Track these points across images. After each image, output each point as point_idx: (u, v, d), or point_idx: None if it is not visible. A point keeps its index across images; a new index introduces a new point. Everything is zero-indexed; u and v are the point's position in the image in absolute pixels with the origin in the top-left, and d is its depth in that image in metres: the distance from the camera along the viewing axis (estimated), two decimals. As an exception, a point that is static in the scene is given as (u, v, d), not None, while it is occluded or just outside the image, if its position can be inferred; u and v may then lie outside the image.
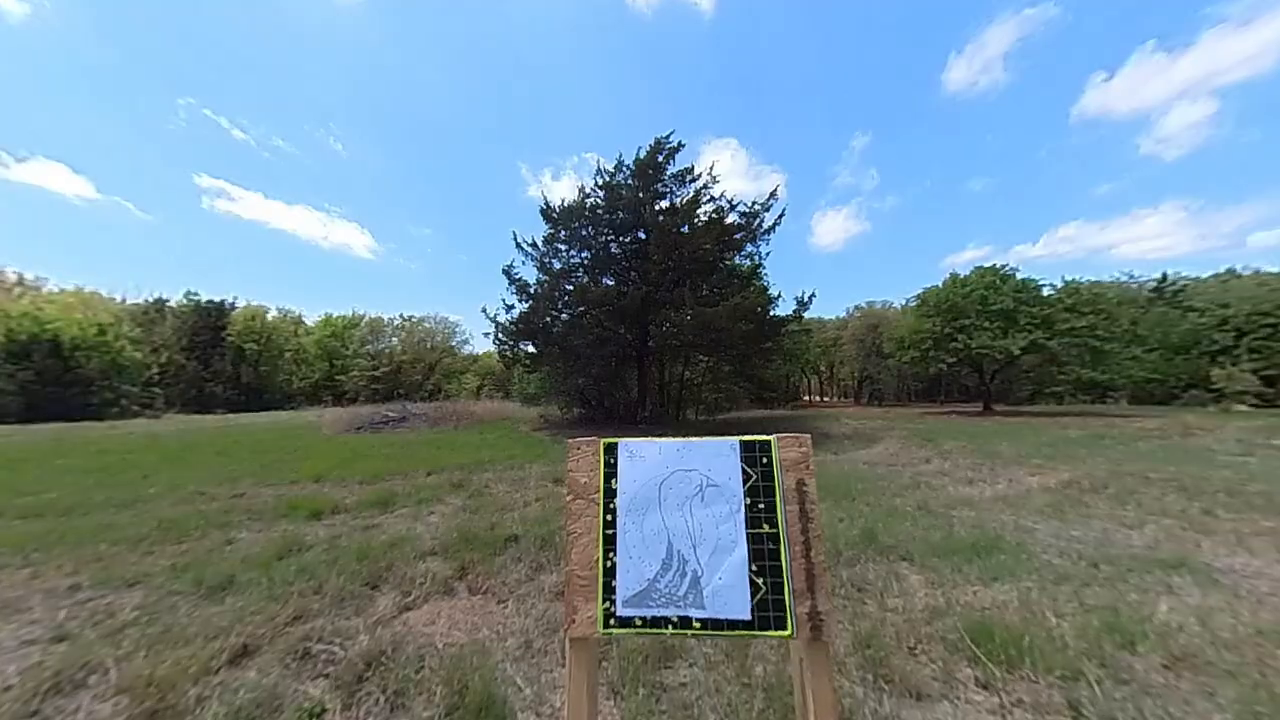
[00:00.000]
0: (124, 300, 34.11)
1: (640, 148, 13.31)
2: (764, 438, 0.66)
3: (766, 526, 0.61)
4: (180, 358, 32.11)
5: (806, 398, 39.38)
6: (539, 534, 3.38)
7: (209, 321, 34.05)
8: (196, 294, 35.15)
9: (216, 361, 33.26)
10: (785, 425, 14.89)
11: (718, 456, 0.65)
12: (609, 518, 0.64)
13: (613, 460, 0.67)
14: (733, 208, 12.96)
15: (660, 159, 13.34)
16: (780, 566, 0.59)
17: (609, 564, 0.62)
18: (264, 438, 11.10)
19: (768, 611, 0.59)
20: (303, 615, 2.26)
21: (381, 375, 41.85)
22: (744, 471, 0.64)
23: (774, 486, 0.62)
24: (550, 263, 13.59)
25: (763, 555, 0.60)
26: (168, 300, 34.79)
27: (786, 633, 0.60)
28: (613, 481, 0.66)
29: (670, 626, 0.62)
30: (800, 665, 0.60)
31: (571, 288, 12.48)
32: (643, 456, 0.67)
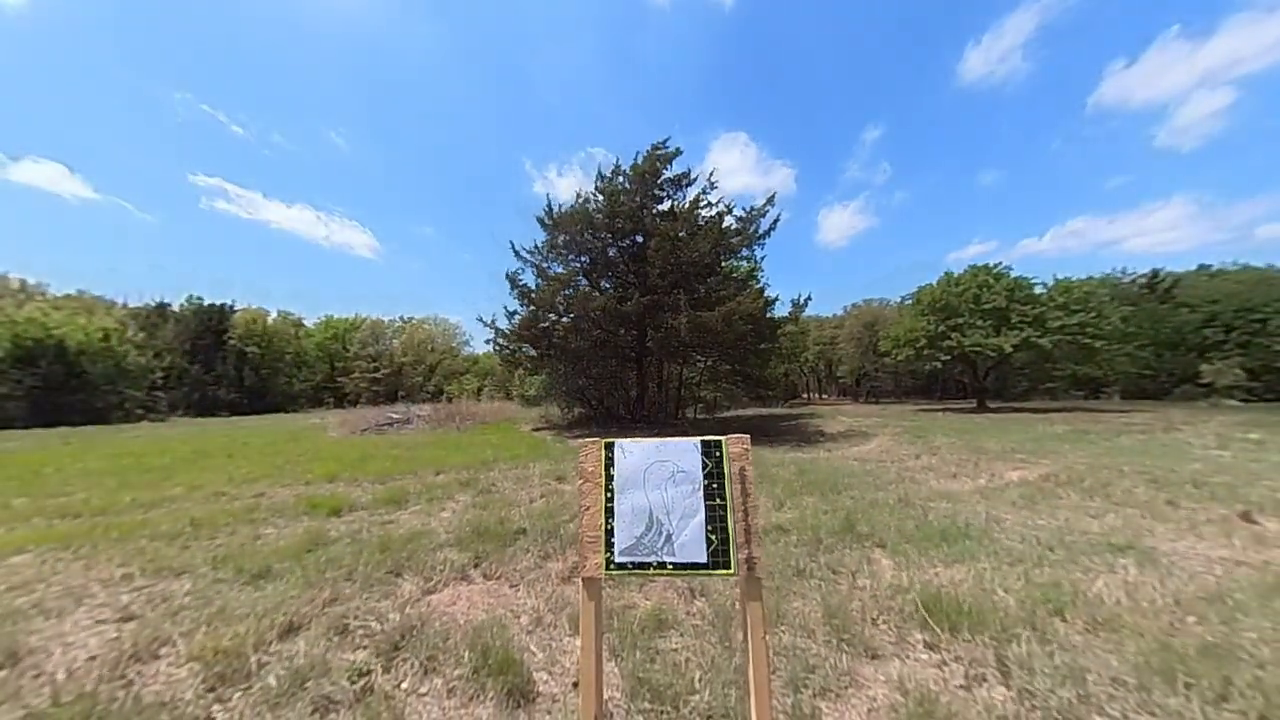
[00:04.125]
0: (126, 304, 34.32)
1: (638, 152, 13.58)
2: (718, 438, 0.94)
3: (718, 500, 0.88)
4: (183, 361, 32.33)
5: (805, 395, 39.66)
6: (545, 527, 3.66)
7: (211, 325, 34.27)
8: (199, 298, 35.36)
9: (219, 365, 33.49)
10: (781, 423, 15.15)
11: (685, 452, 0.93)
12: (609, 495, 0.91)
13: (610, 455, 0.95)
14: (730, 211, 13.23)
15: (658, 164, 13.59)
16: (727, 527, 0.87)
17: (609, 527, 0.90)
18: (273, 440, 11.37)
19: (718, 557, 0.86)
20: (338, 598, 2.54)
21: (383, 377, 42.12)
22: (703, 462, 0.91)
23: (724, 472, 0.90)
24: (550, 268, 13.85)
25: (715, 519, 0.87)
26: (169, 304, 34.99)
27: (730, 571, 0.87)
28: (611, 469, 0.93)
29: (651, 568, 0.89)
30: (741, 594, 0.87)
31: (571, 292, 12.74)
32: (632, 452, 0.95)
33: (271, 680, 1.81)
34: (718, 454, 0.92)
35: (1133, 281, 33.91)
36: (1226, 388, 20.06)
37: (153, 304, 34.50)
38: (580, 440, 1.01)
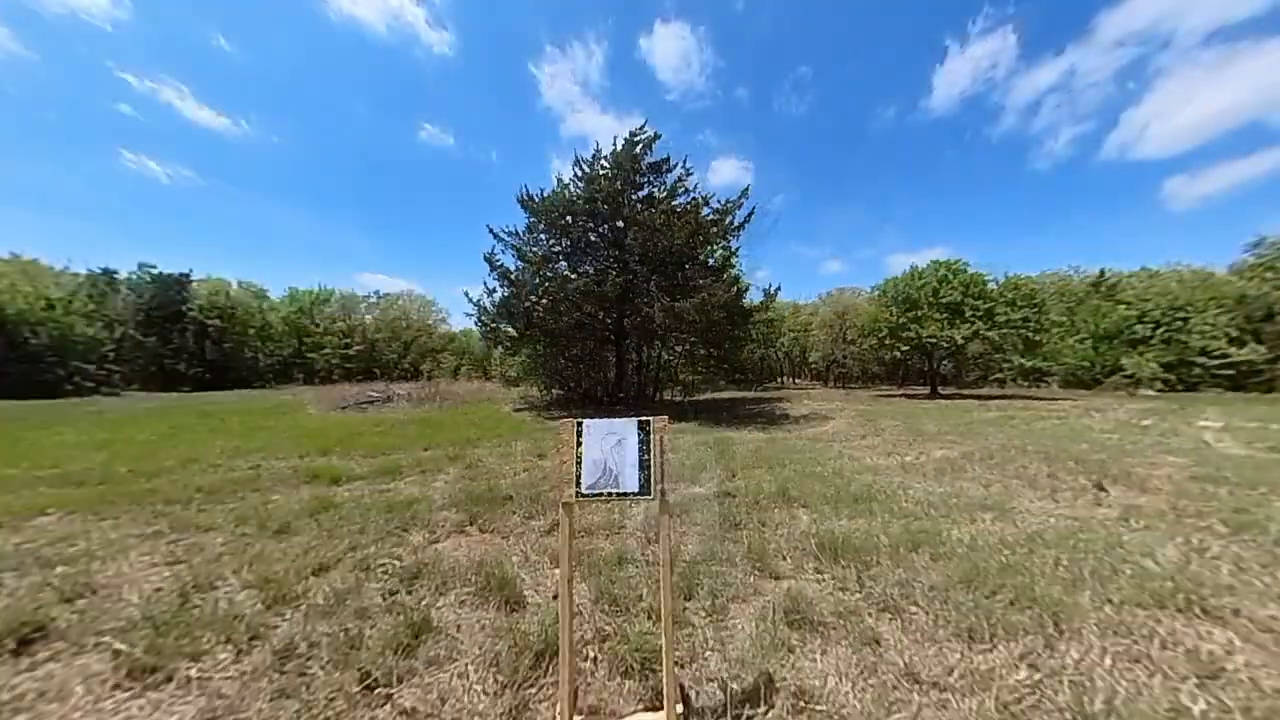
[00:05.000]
0: (69, 270, 31.99)
1: (616, 137, 13.71)
2: (648, 418, 1.51)
3: (645, 455, 1.45)
4: (137, 333, 30.66)
5: (779, 379, 41.23)
6: (529, 495, 4.24)
7: (167, 295, 32.43)
8: (153, 266, 33.26)
9: (177, 338, 31.93)
10: (752, 406, 16.12)
11: (628, 427, 1.50)
12: (579, 453, 1.47)
13: (580, 429, 1.50)
14: (707, 202, 13.64)
15: (636, 149, 13.78)
16: (650, 472, 1.44)
17: (578, 472, 1.46)
18: (249, 417, 11.41)
19: (645, 488, 1.44)
20: (356, 546, 3.07)
21: (355, 353, 41.12)
22: (639, 433, 1.48)
23: (650, 439, 1.47)
24: (530, 250, 14.01)
25: (643, 466, 1.44)
26: (117, 271, 32.80)
27: (651, 497, 1.46)
28: (581, 437, 1.48)
29: (604, 496, 1.47)
30: (660, 510, 1.45)
31: (551, 275, 13.02)
32: (593, 427, 1.50)
33: (319, 599, 2.34)
34: (648, 428, 1.49)
35: (1082, 280, 36.49)
36: (1147, 379, 22.34)
37: (102, 271, 32.27)
38: (560, 420, 1.58)
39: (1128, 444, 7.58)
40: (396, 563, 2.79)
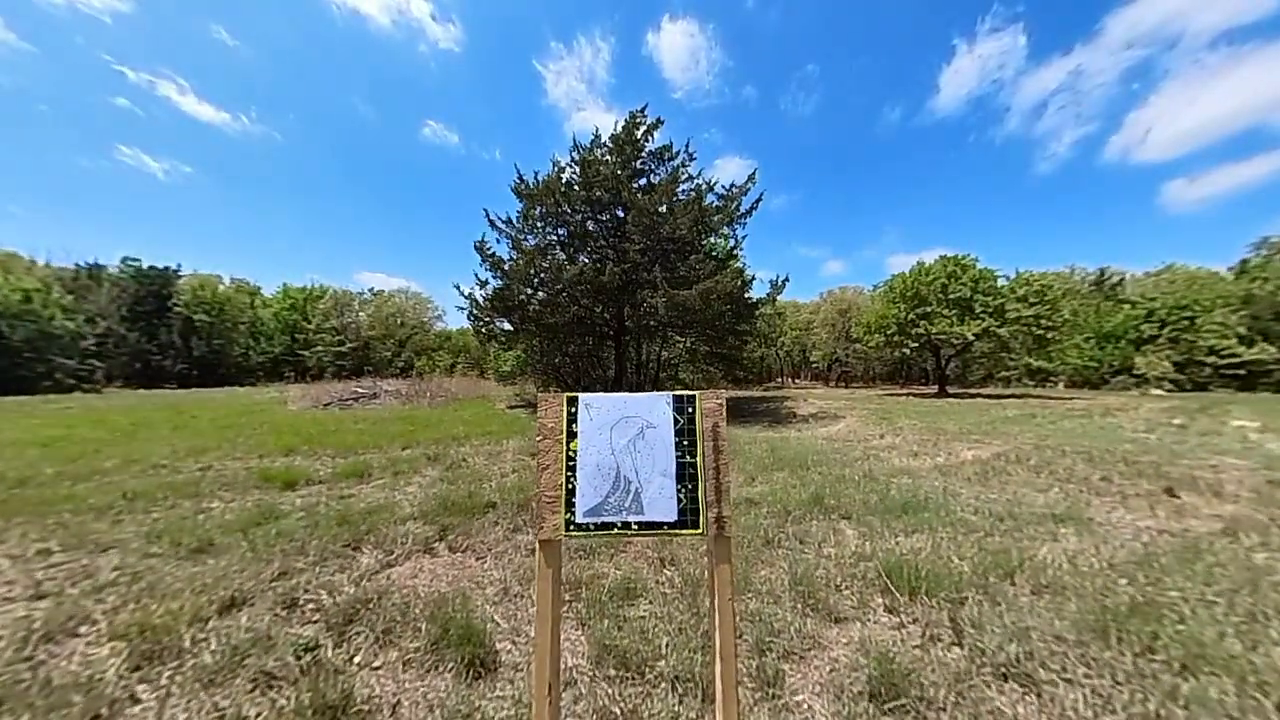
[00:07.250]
0: (50, 263, 31.03)
1: (616, 121, 13.04)
2: (690, 393, 0.86)
3: (688, 456, 0.81)
4: (120, 328, 29.70)
5: (779, 379, 40.63)
6: (516, 501, 3.57)
7: (152, 290, 31.47)
8: (137, 260, 32.29)
9: (163, 333, 30.97)
10: (756, 405, 15.50)
11: (654, 406, 0.85)
12: (571, 452, 0.83)
13: (574, 410, 0.85)
14: (711, 189, 13.00)
15: (638, 135, 13.11)
16: (697, 484, 0.80)
17: (570, 486, 0.82)
18: (224, 413, 10.68)
19: (687, 516, 0.80)
20: (288, 572, 2.39)
21: (349, 351, 40.20)
22: (674, 418, 0.84)
23: (695, 429, 0.83)
24: (525, 239, 13.32)
25: (685, 477, 0.80)
26: (104, 265, 31.81)
27: (699, 531, 0.81)
28: (574, 425, 0.84)
29: (616, 528, 0.82)
30: (710, 554, 0.81)
31: (547, 265, 12.33)
32: (597, 407, 0.86)
33: (207, 657, 1.67)
34: (690, 410, 0.85)
35: (1083, 279, 36.16)
36: (1156, 378, 21.88)
37: (83, 265, 31.28)
38: (545, 394, 0.91)
39: (1170, 445, 6.99)
40: (331, 598, 2.11)
